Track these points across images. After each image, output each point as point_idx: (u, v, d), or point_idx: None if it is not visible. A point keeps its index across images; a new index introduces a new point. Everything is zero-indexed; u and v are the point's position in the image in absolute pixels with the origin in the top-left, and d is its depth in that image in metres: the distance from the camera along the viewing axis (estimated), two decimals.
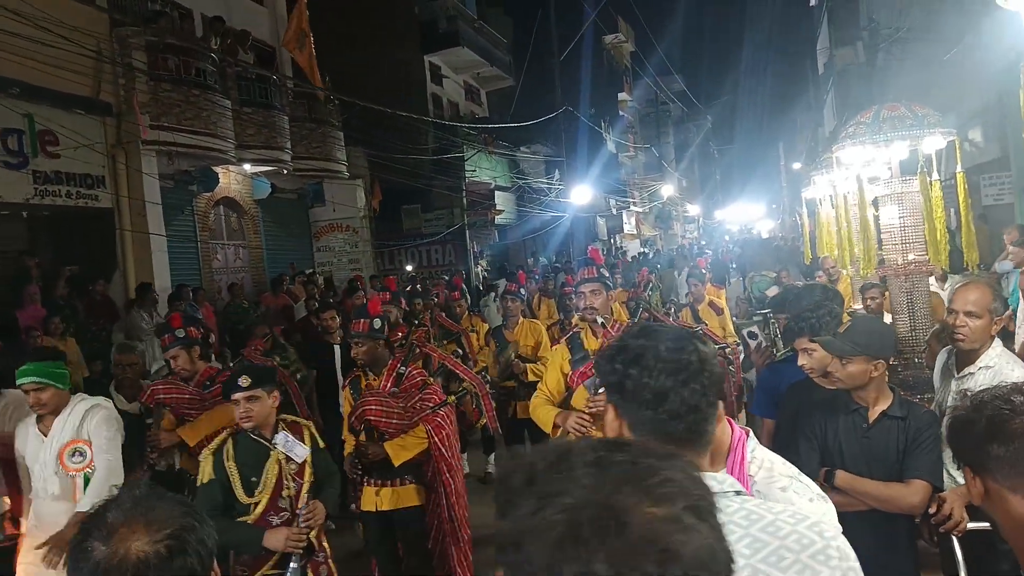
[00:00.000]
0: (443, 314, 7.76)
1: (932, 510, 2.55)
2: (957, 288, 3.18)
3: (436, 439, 3.97)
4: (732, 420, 1.58)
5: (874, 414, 2.72)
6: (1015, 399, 1.50)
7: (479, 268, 20.35)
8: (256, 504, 3.26)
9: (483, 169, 19.91)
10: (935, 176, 3.95)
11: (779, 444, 3.17)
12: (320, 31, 13.11)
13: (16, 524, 3.83)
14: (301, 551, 3.18)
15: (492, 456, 7.26)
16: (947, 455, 2.70)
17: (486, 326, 7.83)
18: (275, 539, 3.16)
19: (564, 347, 3.96)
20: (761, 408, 3.75)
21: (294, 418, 3.60)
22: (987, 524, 2.34)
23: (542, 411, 3.83)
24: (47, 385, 3.54)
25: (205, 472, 3.30)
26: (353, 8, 18.46)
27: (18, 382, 3.58)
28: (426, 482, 4.11)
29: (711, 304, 7.33)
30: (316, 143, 13.80)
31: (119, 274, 10.27)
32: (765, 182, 57.74)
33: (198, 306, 9.78)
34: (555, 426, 3.69)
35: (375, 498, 4.06)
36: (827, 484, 2.67)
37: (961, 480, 2.54)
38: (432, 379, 4.20)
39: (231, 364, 5.01)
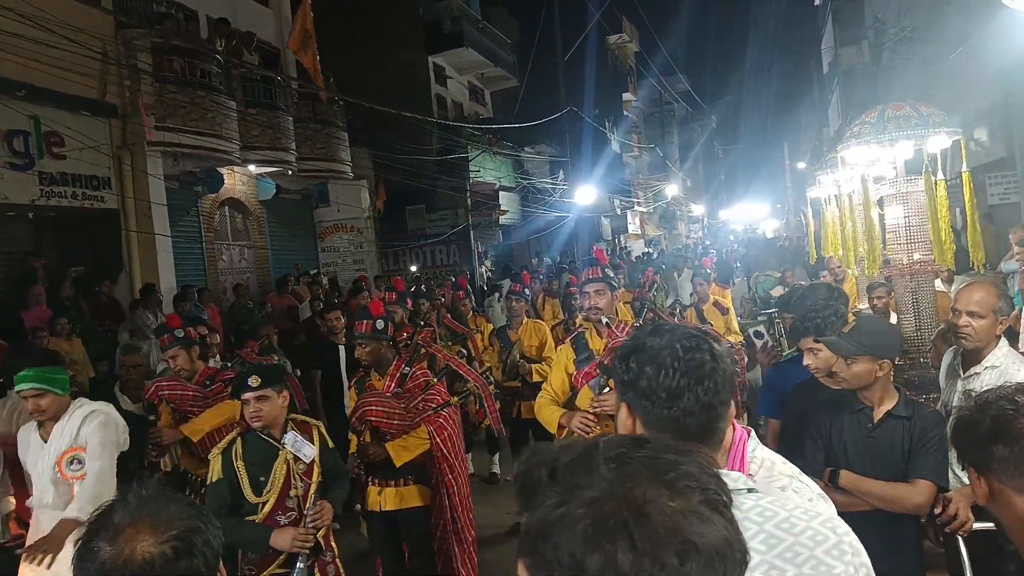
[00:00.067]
0: (449, 315, 7.77)
1: (938, 510, 2.54)
2: (961, 288, 3.18)
3: (438, 440, 3.97)
4: (734, 420, 1.58)
5: (879, 414, 2.72)
6: (1020, 399, 1.50)
7: (483, 268, 20.37)
8: (264, 503, 3.27)
9: (487, 169, 19.91)
10: (939, 176, 3.94)
11: (785, 444, 3.17)
12: (324, 32, 13.13)
13: (23, 525, 3.84)
14: (308, 551, 3.19)
15: (496, 456, 7.26)
16: (952, 455, 2.70)
17: (490, 326, 7.83)
18: (282, 539, 3.17)
19: (569, 347, 3.96)
20: (767, 408, 3.75)
21: (304, 418, 3.61)
22: (992, 524, 2.33)
23: (547, 411, 3.83)
24: (46, 391, 3.46)
25: (214, 471, 3.32)
26: (357, 9, 18.49)
27: (16, 388, 3.51)
28: (430, 482, 4.11)
29: (716, 304, 7.32)
30: (321, 144, 13.82)
31: (125, 275, 10.30)
32: (769, 182, 57.61)
33: (203, 306, 9.81)
34: (560, 426, 3.70)
35: (378, 498, 4.07)
36: (832, 484, 2.66)
37: (966, 480, 2.54)
38: (435, 380, 4.20)
39: (228, 365, 5.02)
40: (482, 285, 17.52)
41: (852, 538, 1.27)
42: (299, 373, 7.09)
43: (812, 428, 2.81)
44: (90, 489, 3.38)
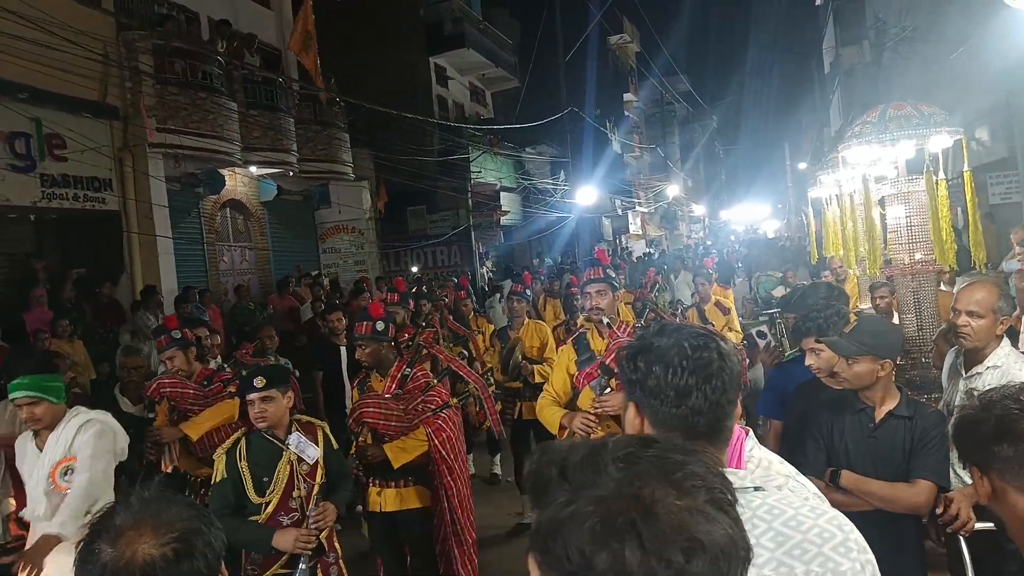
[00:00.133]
0: (451, 317, 7.76)
1: (939, 510, 2.54)
2: (962, 288, 3.18)
3: (436, 441, 3.95)
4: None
5: (881, 414, 2.72)
6: None
7: (484, 269, 20.37)
8: (267, 504, 3.28)
9: (488, 170, 19.92)
10: (941, 175, 3.94)
11: (787, 445, 3.17)
12: (325, 33, 13.14)
13: (23, 526, 3.84)
14: (310, 552, 3.19)
15: (497, 457, 7.27)
16: (954, 455, 2.69)
17: (492, 327, 7.83)
18: (284, 540, 3.17)
19: (570, 348, 3.96)
20: (768, 409, 3.75)
21: (309, 418, 3.62)
22: (993, 525, 2.33)
23: (548, 412, 3.83)
24: (40, 399, 3.35)
25: (218, 471, 3.33)
26: (359, 10, 18.49)
27: (11, 396, 3.39)
28: (431, 484, 4.11)
29: (718, 304, 7.33)
30: (322, 145, 13.83)
31: (126, 276, 10.31)
32: (771, 182, 57.54)
33: (205, 308, 9.81)
34: (561, 427, 3.69)
35: (378, 499, 4.07)
36: (833, 484, 2.66)
37: (968, 480, 2.53)
38: (435, 381, 4.19)
39: (225, 366, 5.03)
40: (483, 286, 17.52)
41: (857, 535, 1.28)
42: (298, 374, 7.09)
43: (814, 428, 2.81)
44: (73, 503, 3.24)
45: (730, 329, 6.95)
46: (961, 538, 2.56)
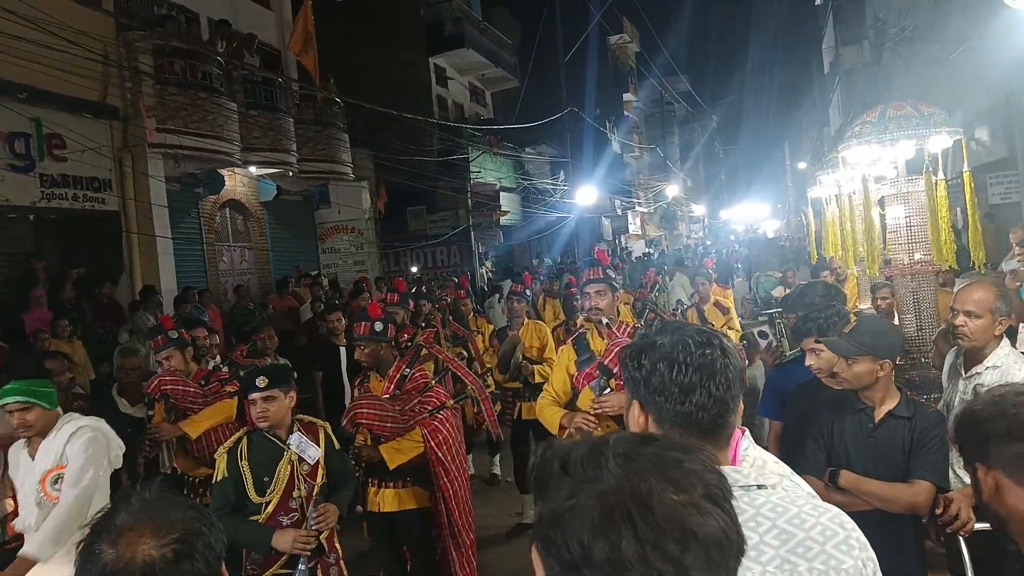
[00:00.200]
0: (452, 319, 7.75)
1: (939, 511, 2.54)
2: (960, 288, 3.18)
3: (432, 443, 3.93)
4: None
5: (880, 414, 2.72)
6: None
7: (484, 269, 20.37)
8: (267, 504, 3.28)
9: (488, 170, 19.92)
10: (940, 175, 3.94)
11: (787, 445, 3.17)
12: (325, 33, 13.15)
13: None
14: (309, 553, 3.19)
15: (497, 457, 7.26)
16: (953, 455, 2.69)
17: (491, 327, 7.83)
18: (283, 540, 3.17)
19: (570, 348, 3.96)
20: (768, 409, 3.74)
21: (311, 419, 3.62)
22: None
23: (548, 412, 3.83)
24: (32, 404, 3.26)
25: (219, 470, 3.33)
26: (359, 10, 18.50)
27: (1, 402, 3.27)
28: (429, 485, 4.10)
29: (717, 304, 7.32)
30: (321, 145, 13.83)
31: (126, 276, 10.32)
32: (770, 182, 57.57)
33: (204, 308, 9.81)
34: (561, 427, 3.69)
35: (376, 499, 4.07)
36: (832, 484, 2.66)
37: (967, 480, 2.53)
38: (434, 382, 4.18)
39: (222, 367, 5.03)
40: (483, 286, 17.52)
41: (859, 534, 1.30)
42: (296, 375, 7.08)
43: (814, 428, 2.81)
44: (52, 524, 3.12)
45: (730, 328, 6.95)
46: (961, 538, 2.56)
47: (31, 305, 8.24)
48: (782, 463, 1.53)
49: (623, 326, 3.84)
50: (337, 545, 3.45)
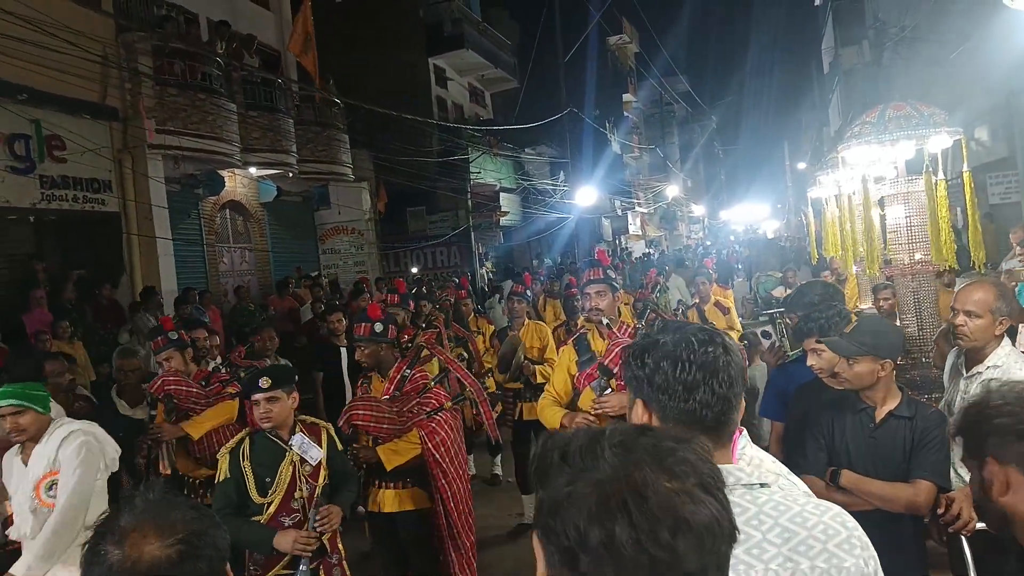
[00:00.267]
0: (453, 319, 7.74)
1: (940, 510, 2.54)
2: (961, 287, 3.18)
3: (429, 445, 3.91)
4: None
5: (881, 414, 2.72)
6: None
7: (484, 270, 20.37)
8: (269, 504, 3.27)
9: (488, 171, 19.92)
10: (940, 175, 3.94)
11: (788, 445, 3.17)
12: (325, 34, 13.16)
13: None
14: (310, 554, 3.18)
15: (498, 458, 7.26)
16: (955, 454, 2.69)
17: (492, 328, 7.82)
18: (284, 541, 3.17)
19: (571, 348, 3.95)
20: (770, 411, 3.74)
21: (313, 419, 3.62)
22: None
23: (549, 412, 3.84)
24: (26, 408, 3.18)
25: (222, 470, 3.33)
26: (358, 11, 18.51)
27: None
28: (430, 486, 4.09)
29: (717, 304, 7.33)
30: (321, 146, 13.83)
31: (126, 278, 10.32)
32: (770, 182, 57.66)
33: (204, 309, 9.80)
34: (562, 427, 3.69)
35: (377, 499, 4.07)
36: (833, 484, 2.66)
37: (968, 479, 2.53)
38: (432, 383, 4.16)
39: (221, 367, 5.02)
40: (483, 286, 17.52)
41: (860, 532, 1.32)
42: (297, 376, 7.07)
43: (815, 428, 2.81)
44: (47, 538, 3.06)
45: (731, 328, 6.96)
46: (963, 538, 2.56)
47: (31, 306, 8.24)
48: (778, 462, 1.54)
49: (623, 326, 3.84)
50: (340, 546, 3.45)
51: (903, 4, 14.15)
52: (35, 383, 3.37)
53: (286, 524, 3.26)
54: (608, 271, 3.95)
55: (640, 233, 32.78)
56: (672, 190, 35.33)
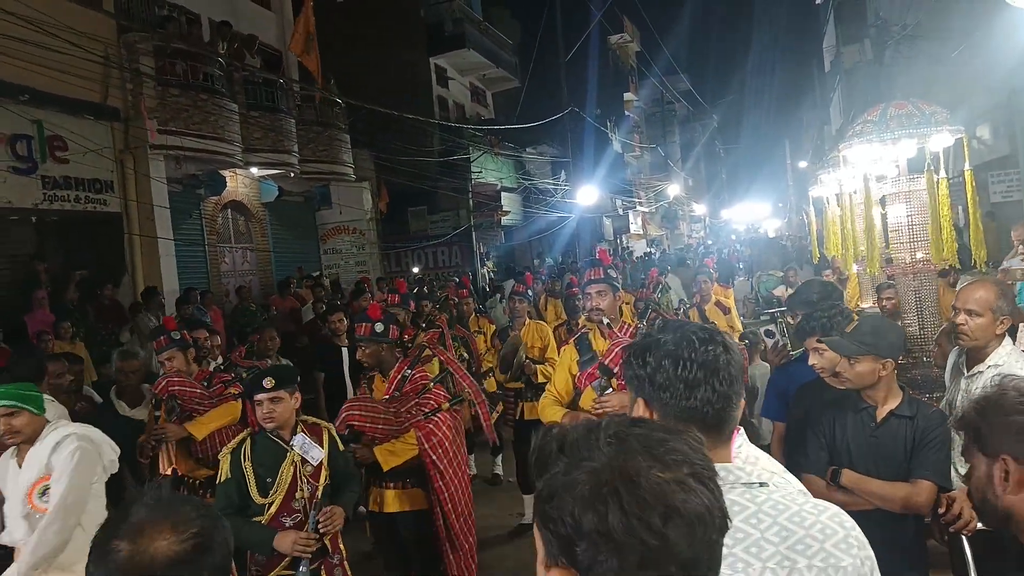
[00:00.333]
0: (459, 324, 7.71)
1: (941, 510, 2.54)
2: (963, 286, 3.17)
3: (426, 445, 3.90)
4: None
5: (882, 413, 2.72)
6: None
7: (485, 269, 20.37)
8: (270, 504, 3.27)
9: (489, 170, 19.92)
10: (942, 174, 3.93)
11: (789, 445, 3.17)
12: (326, 34, 13.15)
13: None
14: (309, 556, 3.19)
15: (499, 458, 7.26)
16: (955, 453, 2.69)
17: (493, 327, 7.82)
18: (284, 542, 3.17)
19: (572, 348, 3.95)
20: (771, 411, 3.73)
21: (315, 419, 3.62)
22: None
23: (550, 411, 3.84)
24: (20, 409, 3.11)
25: (223, 471, 3.33)
26: (359, 11, 18.51)
27: None
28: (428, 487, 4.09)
29: (718, 303, 7.32)
30: (323, 146, 13.84)
31: (128, 278, 10.33)
32: (771, 181, 57.59)
33: (206, 309, 9.82)
34: None
35: (378, 499, 4.07)
36: (834, 483, 2.66)
37: None
38: (432, 384, 4.15)
39: (222, 367, 5.03)
40: (484, 286, 17.52)
41: (858, 532, 1.33)
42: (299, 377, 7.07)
43: (816, 427, 2.81)
44: (36, 547, 2.99)
45: (731, 328, 6.95)
46: (963, 537, 2.56)
47: (33, 307, 8.25)
48: (774, 460, 1.55)
49: (625, 326, 3.84)
50: (341, 546, 3.45)
51: (905, 2, 14.14)
52: (28, 383, 3.31)
53: (287, 524, 3.26)
54: (609, 271, 3.95)
55: (641, 232, 32.77)
56: (673, 189, 35.31)
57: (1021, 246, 6.84)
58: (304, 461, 3.34)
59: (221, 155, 11.14)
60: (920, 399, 2.93)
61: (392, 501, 4.04)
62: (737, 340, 6.17)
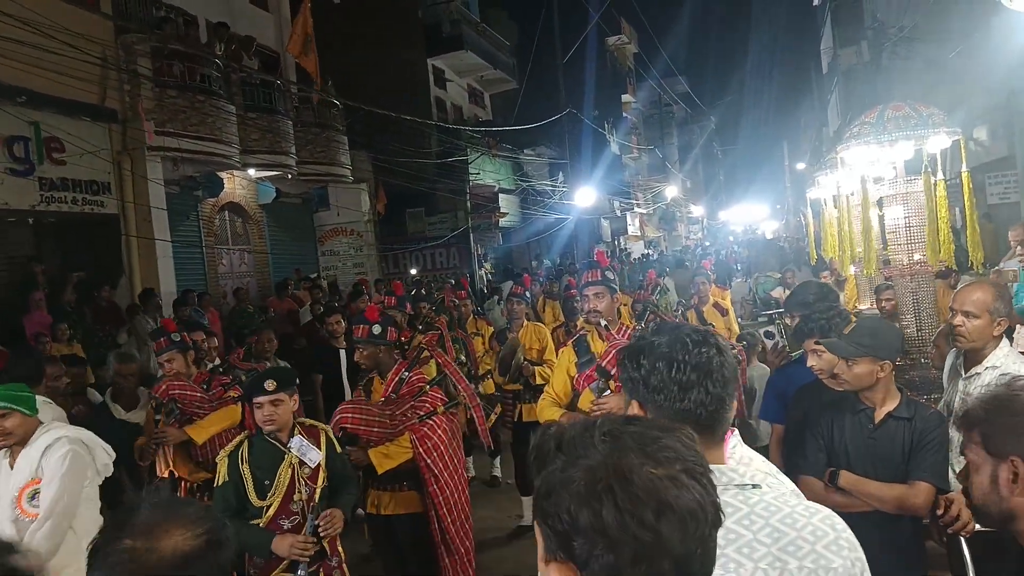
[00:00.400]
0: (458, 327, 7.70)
1: (940, 512, 2.54)
2: (960, 288, 3.18)
3: (420, 449, 3.89)
4: None
5: (880, 415, 2.72)
6: None
7: (483, 271, 20.37)
8: (268, 507, 3.27)
9: (487, 172, 19.92)
10: (939, 176, 3.94)
11: (788, 447, 3.17)
12: (323, 35, 13.14)
13: None
14: (307, 559, 3.18)
15: (498, 460, 7.25)
16: (953, 455, 2.69)
17: (491, 329, 7.82)
18: (282, 546, 3.16)
19: (570, 350, 3.96)
20: (770, 413, 3.73)
21: (312, 422, 3.61)
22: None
23: (548, 413, 3.85)
24: (12, 410, 3.07)
25: (220, 474, 3.32)
26: (357, 12, 18.50)
27: None
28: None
29: (716, 305, 7.32)
30: (320, 148, 13.83)
31: (125, 280, 10.31)
32: (769, 182, 57.66)
33: (204, 311, 9.80)
34: None
35: (375, 502, 4.07)
36: (832, 484, 2.66)
37: None
38: (428, 387, 4.15)
39: (221, 370, 5.01)
40: (482, 288, 17.51)
41: (849, 534, 1.35)
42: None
43: (814, 429, 2.81)
44: (43, 540, 2.93)
45: (729, 329, 6.95)
46: (962, 539, 2.56)
47: (31, 308, 8.24)
48: (768, 462, 1.57)
49: (622, 328, 3.84)
50: (340, 548, 3.44)
51: (901, 4, 14.15)
52: (20, 384, 3.28)
53: (285, 527, 3.26)
54: (606, 273, 3.95)
55: (639, 234, 32.81)
56: (671, 191, 35.37)
57: (1019, 247, 6.84)
58: (302, 463, 3.34)
59: (218, 156, 11.12)
60: (918, 401, 2.93)
61: (389, 503, 4.03)
62: (735, 342, 6.18)
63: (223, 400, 4.38)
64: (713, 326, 6.29)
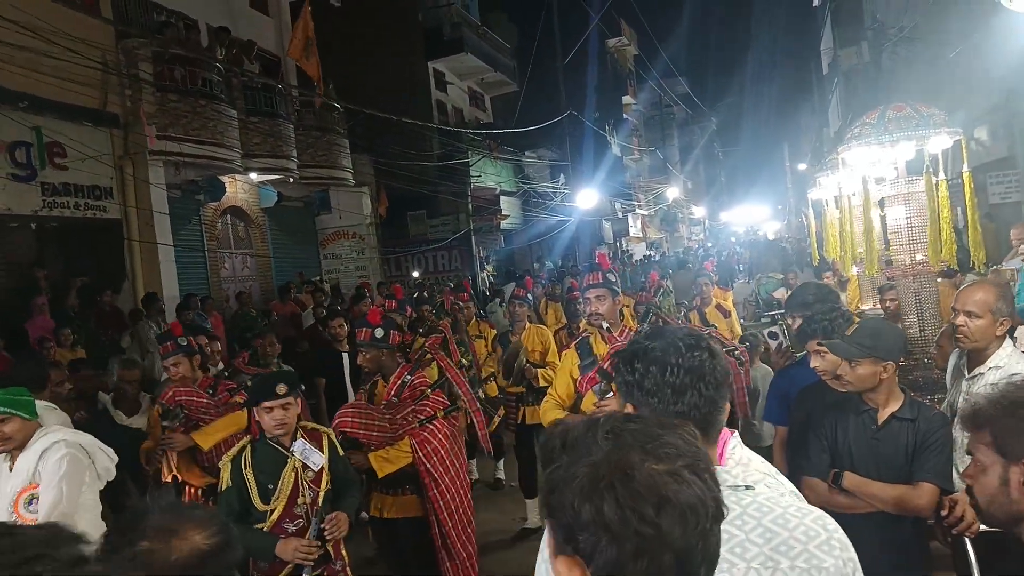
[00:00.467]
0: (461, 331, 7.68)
1: (944, 512, 2.54)
2: (962, 288, 3.18)
3: (420, 453, 3.89)
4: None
5: (884, 415, 2.71)
6: None
7: (485, 273, 20.38)
8: (272, 511, 3.26)
9: (488, 174, 19.93)
10: (941, 176, 3.94)
11: (791, 448, 3.16)
12: (324, 38, 13.16)
13: None
14: (311, 563, 3.18)
15: (501, 462, 7.25)
16: (957, 455, 2.69)
17: (494, 331, 7.82)
18: (286, 550, 3.17)
19: (573, 352, 3.96)
20: (772, 415, 3.73)
21: (314, 425, 3.61)
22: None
23: (551, 415, 3.86)
24: (11, 415, 3.05)
25: (224, 479, 3.31)
26: (357, 15, 18.52)
27: None
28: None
29: (718, 307, 7.31)
30: (322, 151, 13.85)
31: (127, 284, 10.32)
32: (770, 183, 57.58)
33: (206, 315, 9.81)
34: None
35: (379, 505, 4.06)
36: (835, 486, 2.66)
37: None
38: (429, 391, 4.14)
39: (226, 374, 5.01)
40: (484, 290, 17.52)
41: (841, 534, 1.37)
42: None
43: (818, 430, 2.81)
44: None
45: (731, 331, 6.94)
46: (967, 539, 2.56)
47: (33, 314, 8.24)
48: (767, 463, 1.58)
49: (625, 330, 3.84)
50: (343, 552, 3.44)
51: (901, 4, 14.15)
52: (20, 388, 3.25)
53: (289, 530, 3.25)
54: (608, 275, 3.95)
55: (641, 235, 32.80)
56: (672, 192, 35.37)
57: (1021, 246, 6.84)
58: (305, 467, 3.34)
59: (220, 160, 11.14)
60: (921, 401, 2.93)
61: (391, 507, 4.03)
62: (737, 343, 6.17)
63: (229, 405, 4.37)
64: (716, 327, 6.28)
